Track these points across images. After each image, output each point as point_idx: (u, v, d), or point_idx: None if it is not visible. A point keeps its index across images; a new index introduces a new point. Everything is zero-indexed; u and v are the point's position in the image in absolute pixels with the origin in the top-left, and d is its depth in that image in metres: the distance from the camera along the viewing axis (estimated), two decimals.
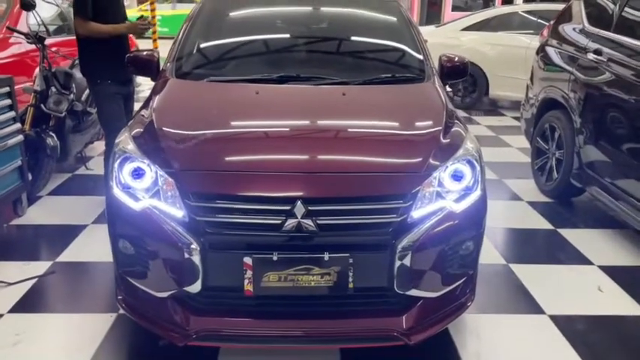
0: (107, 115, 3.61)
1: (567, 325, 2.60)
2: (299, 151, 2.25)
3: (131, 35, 9.17)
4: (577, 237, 3.58)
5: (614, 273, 3.11)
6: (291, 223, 1.98)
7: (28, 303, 2.69)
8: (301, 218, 1.98)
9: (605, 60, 3.56)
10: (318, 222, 1.99)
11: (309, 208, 1.99)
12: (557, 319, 2.64)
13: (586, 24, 4.04)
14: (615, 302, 2.84)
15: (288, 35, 3.31)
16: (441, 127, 2.37)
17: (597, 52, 3.67)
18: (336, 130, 2.46)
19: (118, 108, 3.62)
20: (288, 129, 2.45)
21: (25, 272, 2.93)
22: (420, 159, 2.18)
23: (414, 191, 2.08)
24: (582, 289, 2.95)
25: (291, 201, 1.99)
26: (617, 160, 3.39)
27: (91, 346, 2.37)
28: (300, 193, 2.02)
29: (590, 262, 3.25)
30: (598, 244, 3.48)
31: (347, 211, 2.04)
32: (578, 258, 3.31)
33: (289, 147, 2.29)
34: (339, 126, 2.49)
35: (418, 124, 2.51)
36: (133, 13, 18.85)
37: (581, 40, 3.97)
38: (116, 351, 2.39)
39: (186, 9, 16.28)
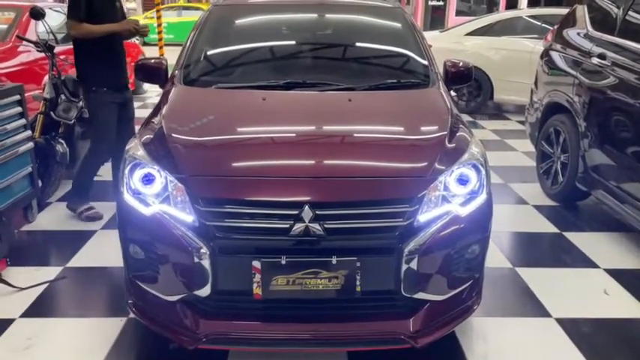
0: (98, 123, 3.65)
1: (573, 327, 2.62)
2: (306, 157, 2.28)
3: (137, 43, 9.23)
4: (583, 240, 3.59)
5: (620, 276, 3.12)
6: (299, 227, 2.01)
7: (40, 308, 2.73)
8: (309, 222, 2.01)
9: (609, 64, 3.58)
10: (326, 226, 2.02)
11: (317, 212, 2.01)
12: (563, 322, 2.66)
13: (590, 28, 4.07)
14: (621, 305, 2.85)
15: (294, 42, 3.35)
16: (446, 132, 2.40)
17: (601, 56, 3.69)
18: (343, 135, 2.49)
19: (110, 117, 3.64)
20: (294, 134, 2.48)
21: (36, 277, 2.97)
22: (426, 163, 2.20)
23: (420, 195, 2.10)
24: (588, 292, 2.96)
25: (299, 205, 2.02)
26: (622, 164, 3.41)
27: (102, 350, 2.40)
28: (307, 198, 2.05)
29: (596, 266, 3.26)
30: (604, 248, 3.49)
31: (354, 215, 2.06)
32: (584, 261, 3.32)
33: (296, 152, 2.33)
34: (346, 131, 2.52)
35: (424, 128, 2.53)
36: (139, 20, 19.03)
37: (585, 44, 3.99)
38: (126, 355, 2.42)
39: (192, 16, 16.39)
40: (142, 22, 3.87)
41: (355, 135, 2.51)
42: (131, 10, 22.20)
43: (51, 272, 3.05)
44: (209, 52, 3.18)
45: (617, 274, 3.14)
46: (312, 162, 2.25)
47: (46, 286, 2.91)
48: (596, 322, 2.68)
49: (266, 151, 2.35)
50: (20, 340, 2.47)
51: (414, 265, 2.06)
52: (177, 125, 2.45)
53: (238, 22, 3.49)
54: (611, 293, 2.96)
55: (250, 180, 2.16)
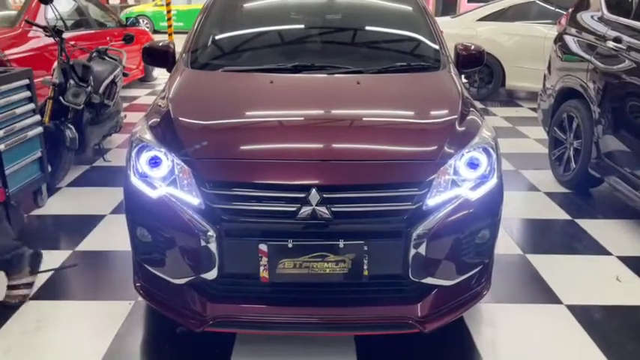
0: None
1: (584, 314, 2.58)
2: (314, 140, 2.26)
3: (147, 30, 9.24)
4: (595, 227, 3.54)
5: (633, 263, 3.07)
6: (306, 210, 1.99)
7: (49, 291, 2.75)
8: (316, 206, 1.99)
9: (624, 48, 3.50)
10: (333, 209, 2.00)
11: (324, 195, 1.99)
12: (574, 309, 2.62)
13: (605, 11, 3.98)
14: (634, 292, 2.81)
15: (302, 25, 3.31)
16: (456, 116, 2.36)
17: (617, 39, 3.61)
18: (351, 118, 2.46)
19: None
20: (302, 118, 2.45)
21: (46, 261, 2.97)
22: (436, 147, 2.17)
23: (429, 179, 2.07)
24: (600, 280, 2.92)
25: (306, 189, 2.00)
26: (637, 150, 3.34)
27: (110, 332, 2.42)
28: (314, 181, 2.02)
29: (608, 253, 3.21)
30: (617, 235, 3.44)
31: (361, 199, 2.04)
32: (597, 248, 3.27)
33: (304, 135, 2.30)
34: (354, 114, 2.49)
35: (433, 112, 2.49)
36: (149, 7, 19.01)
37: (600, 28, 3.91)
38: (134, 337, 2.42)
39: (201, 4, 16.33)
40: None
41: (363, 118, 2.48)
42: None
43: (60, 256, 3.07)
44: (216, 36, 3.15)
45: (630, 262, 3.09)
46: (320, 145, 2.23)
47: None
48: (608, 309, 2.65)
49: (273, 133, 2.33)
50: (30, 322, 2.48)
51: (422, 249, 2.03)
52: (184, 108, 2.43)
53: (246, 5, 3.45)
54: (623, 280, 2.92)
55: (257, 163, 2.13)
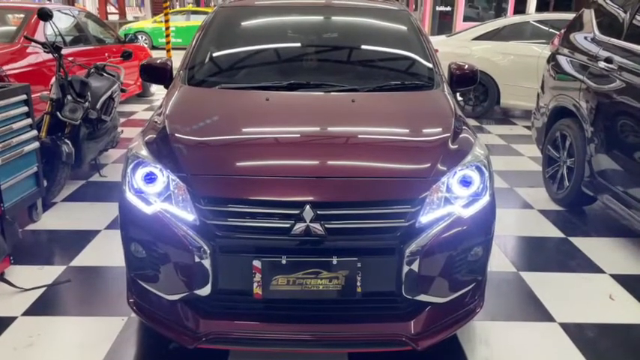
0: None
1: (578, 332, 2.59)
2: (308, 157, 2.28)
3: (145, 46, 9.31)
4: (589, 245, 3.55)
5: (626, 282, 3.09)
6: (299, 227, 2.00)
7: (42, 306, 2.74)
8: (310, 222, 2.00)
9: (616, 68, 3.55)
10: (327, 226, 2.01)
11: (318, 212, 2.01)
12: (567, 327, 2.63)
13: (597, 32, 4.05)
14: (627, 310, 2.82)
15: (298, 44, 3.35)
16: (449, 134, 2.38)
17: (608, 60, 3.67)
18: (345, 135, 2.48)
19: None
20: (297, 135, 2.48)
21: (39, 276, 2.98)
22: (429, 165, 2.19)
23: (422, 196, 2.09)
24: (593, 298, 2.93)
25: (300, 205, 2.02)
26: (629, 168, 3.37)
27: (103, 348, 2.41)
28: (309, 198, 2.04)
29: (601, 271, 3.22)
30: (610, 253, 3.46)
31: (355, 216, 2.05)
32: (590, 266, 3.29)
33: (298, 152, 2.32)
34: (348, 132, 2.51)
35: (427, 130, 2.52)
36: (148, 24, 19.17)
37: (592, 48, 3.97)
38: (127, 353, 2.41)
39: (199, 21, 16.50)
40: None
41: (358, 136, 2.50)
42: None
43: (54, 271, 3.06)
44: (213, 53, 3.19)
45: (623, 280, 3.11)
46: (314, 162, 2.25)
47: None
48: (601, 328, 2.65)
49: (268, 150, 2.35)
50: (22, 338, 2.47)
51: (415, 266, 2.04)
52: (180, 125, 2.45)
53: (243, 23, 3.50)
54: (616, 298, 2.93)
55: (251, 179, 2.15)
